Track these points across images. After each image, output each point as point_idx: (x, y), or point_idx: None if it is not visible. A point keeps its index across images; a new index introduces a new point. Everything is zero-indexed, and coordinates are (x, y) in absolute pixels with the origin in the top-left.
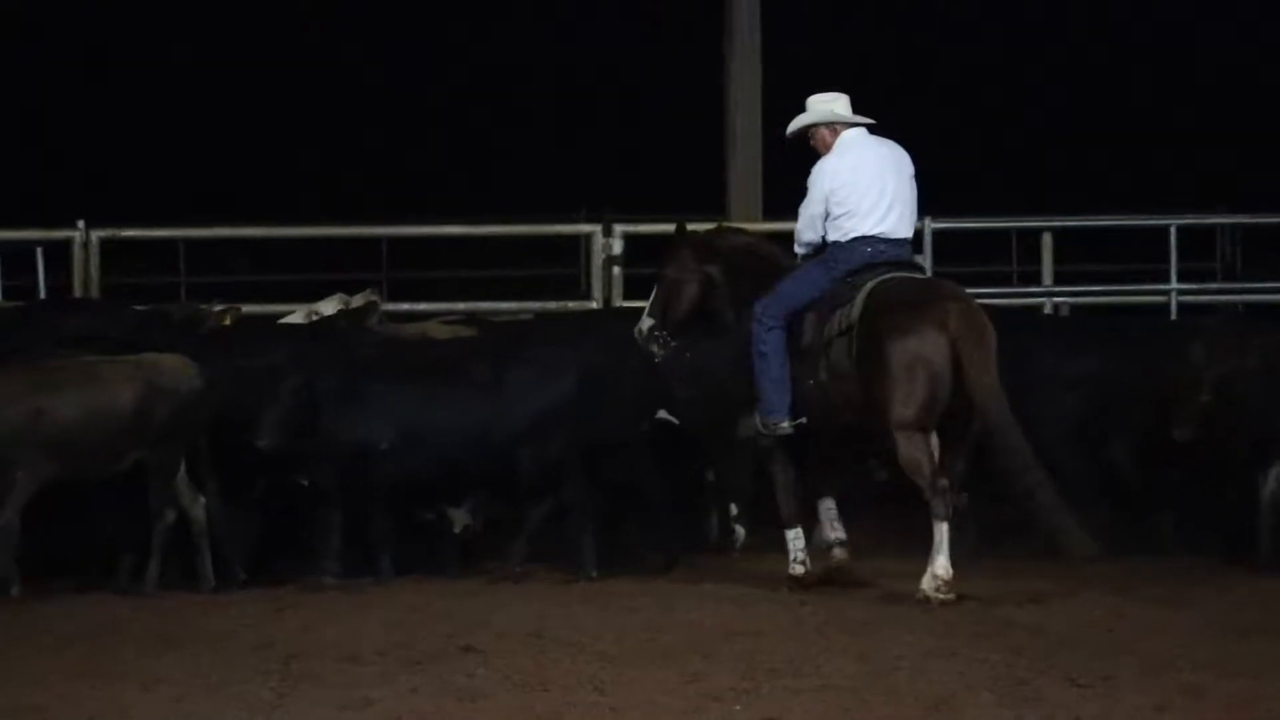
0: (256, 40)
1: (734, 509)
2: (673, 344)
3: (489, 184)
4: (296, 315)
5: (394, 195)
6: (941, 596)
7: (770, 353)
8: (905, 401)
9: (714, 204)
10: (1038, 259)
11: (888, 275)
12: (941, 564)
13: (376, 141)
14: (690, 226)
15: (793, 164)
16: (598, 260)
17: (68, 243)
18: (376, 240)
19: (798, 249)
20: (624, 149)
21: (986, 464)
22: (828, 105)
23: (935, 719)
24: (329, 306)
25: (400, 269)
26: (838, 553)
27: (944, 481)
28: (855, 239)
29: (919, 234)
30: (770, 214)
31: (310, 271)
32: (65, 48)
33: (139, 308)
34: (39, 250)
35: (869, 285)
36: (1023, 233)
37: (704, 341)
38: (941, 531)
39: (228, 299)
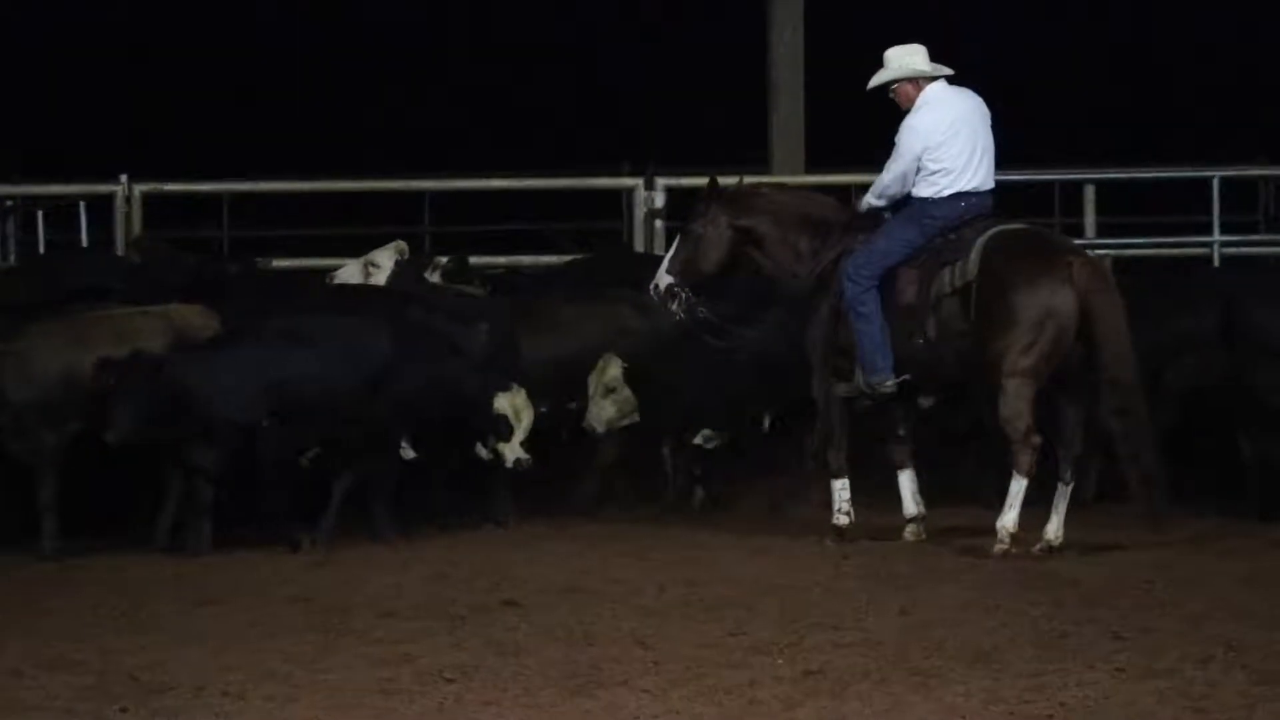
0: None
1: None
2: (693, 301)
3: (531, 138)
4: (352, 267)
5: (436, 149)
6: (1003, 548)
7: (871, 313)
8: (1026, 351)
9: (757, 157)
10: (1080, 211)
11: (996, 229)
12: (1011, 518)
13: (422, 95)
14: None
15: (835, 116)
16: (640, 214)
17: (110, 197)
18: (420, 194)
19: (873, 201)
20: (666, 102)
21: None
22: (909, 58)
23: (977, 672)
24: (385, 257)
25: (443, 223)
26: (911, 529)
27: (1037, 438)
28: (952, 195)
29: None
30: (813, 166)
31: (351, 225)
32: (110, 6)
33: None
34: (81, 205)
35: (981, 241)
36: (1065, 185)
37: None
38: (1020, 485)
39: (271, 253)
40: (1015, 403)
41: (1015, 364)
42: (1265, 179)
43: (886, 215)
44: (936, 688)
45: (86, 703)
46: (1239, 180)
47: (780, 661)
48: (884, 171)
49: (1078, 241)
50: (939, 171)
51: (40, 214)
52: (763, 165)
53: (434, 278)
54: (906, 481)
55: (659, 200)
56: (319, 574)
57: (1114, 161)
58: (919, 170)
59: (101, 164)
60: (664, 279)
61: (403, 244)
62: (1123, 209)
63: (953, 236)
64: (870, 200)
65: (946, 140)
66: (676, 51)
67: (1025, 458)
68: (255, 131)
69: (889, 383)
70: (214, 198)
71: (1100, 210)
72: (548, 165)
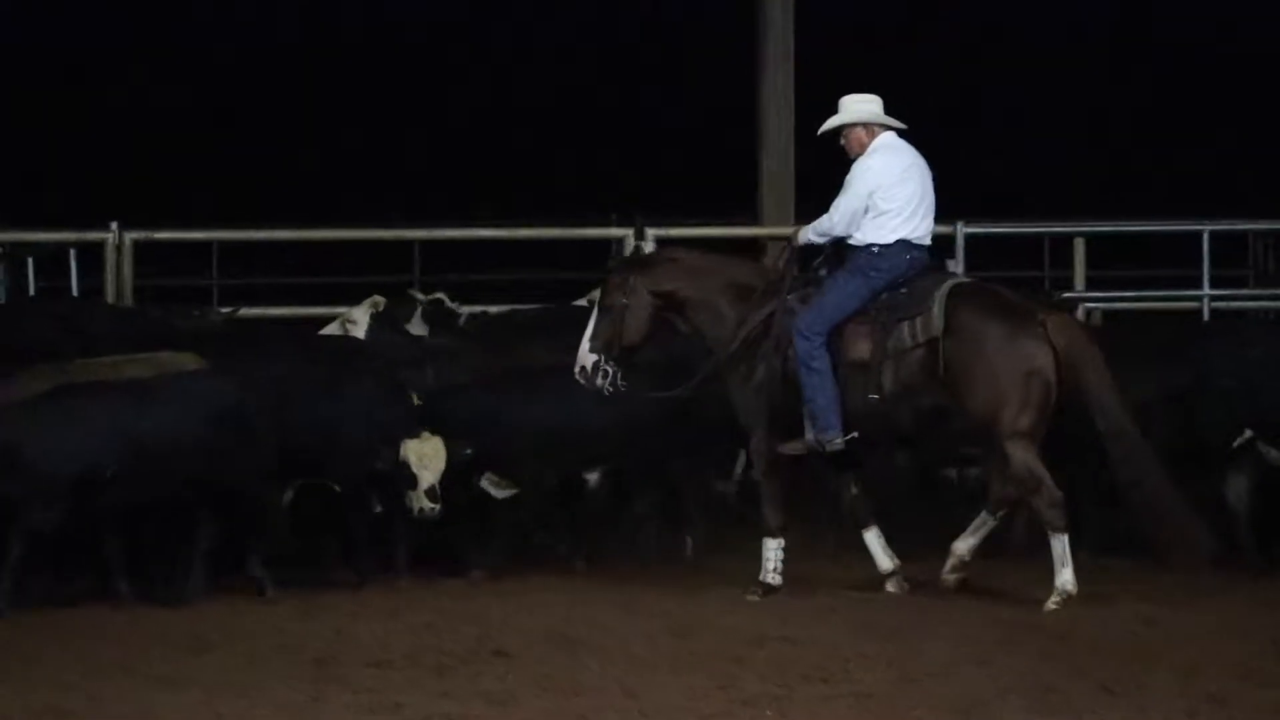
0: (291, 43)
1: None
2: (619, 376)
3: (520, 188)
4: (331, 326)
5: (425, 199)
6: (1055, 607)
7: (823, 369)
8: (1021, 411)
9: (746, 208)
10: (1069, 264)
11: (953, 283)
12: (1068, 577)
13: (409, 144)
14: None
15: (826, 167)
16: None
17: (101, 244)
18: (408, 244)
19: (813, 237)
20: (655, 152)
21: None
22: (865, 106)
23: None
24: (360, 313)
25: (431, 272)
26: (892, 584)
27: (1060, 494)
28: (898, 241)
29: (951, 238)
30: (803, 217)
31: (340, 274)
32: (98, 50)
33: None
34: (72, 252)
35: (940, 294)
36: (1055, 238)
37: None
38: (1063, 543)
39: (262, 301)
40: (1029, 464)
41: (1014, 425)
42: (1255, 233)
43: (823, 273)
44: None
45: None
46: (1229, 234)
47: (769, 714)
48: (832, 210)
49: (1066, 295)
50: (888, 213)
51: (30, 261)
52: (752, 215)
53: (417, 324)
54: (873, 539)
55: (649, 250)
56: (308, 623)
57: (1103, 214)
58: (867, 210)
59: (92, 211)
60: (588, 358)
61: (378, 298)
62: (1111, 262)
63: (904, 290)
64: (810, 235)
65: (898, 184)
66: (665, 100)
67: (1053, 514)
68: (245, 180)
69: (839, 440)
70: (204, 245)
71: (1090, 264)
72: (538, 215)
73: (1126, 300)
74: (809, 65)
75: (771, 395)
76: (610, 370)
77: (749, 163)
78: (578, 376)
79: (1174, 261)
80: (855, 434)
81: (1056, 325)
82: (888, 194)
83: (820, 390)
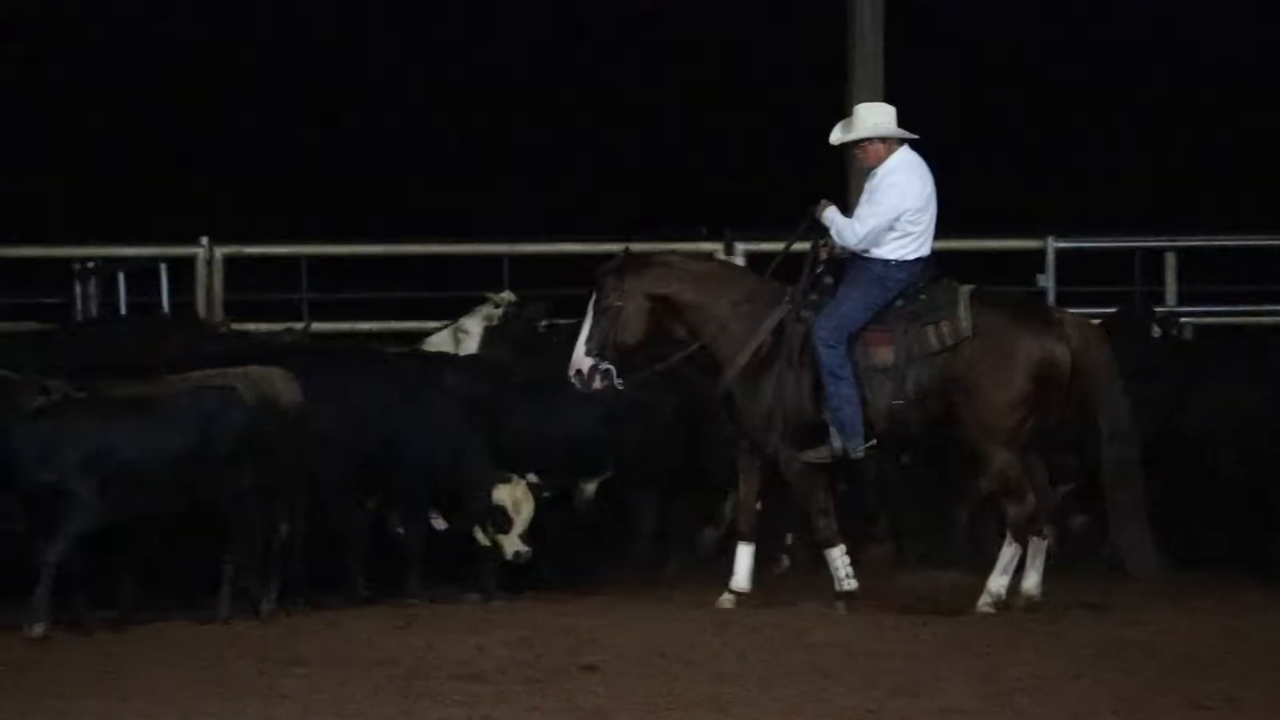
0: (382, 61)
1: (789, 538)
2: (616, 377)
3: (610, 202)
4: (443, 334)
5: (516, 212)
6: (987, 611)
7: (848, 376)
8: (1028, 416)
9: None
10: (1161, 278)
11: (970, 288)
12: (1003, 583)
13: (500, 159)
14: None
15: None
16: None
17: (191, 259)
18: (498, 257)
19: (854, 246)
20: (744, 167)
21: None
22: (881, 117)
23: None
24: (473, 323)
25: (521, 287)
26: (842, 605)
27: (1035, 508)
28: (916, 259)
29: (1042, 253)
30: None
31: (429, 289)
32: (192, 64)
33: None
34: (163, 267)
35: (963, 299)
36: (1147, 252)
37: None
38: (1014, 554)
39: (350, 316)
40: (1008, 468)
41: (1014, 430)
42: None
43: (829, 280)
44: None
45: None
46: None
47: None
48: (858, 224)
49: (1159, 309)
50: (912, 235)
51: (121, 276)
52: None
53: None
54: (836, 555)
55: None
56: (402, 637)
57: (1196, 229)
58: (891, 230)
59: (182, 226)
60: (584, 362)
61: (491, 309)
62: (1204, 277)
63: (923, 296)
64: (851, 244)
65: (924, 208)
66: (752, 116)
67: (1023, 525)
68: (335, 194)
69: (862, 448)
70: (293, 260)
71: (1181, 278)
72: (623, 230)
73: (1219, 315)
74: (899, 73)
75: (796, 403)
76: (608, 371)
77: (839, 182)
78: (573, 380)
79: (1267, 275)
80: (874, 442)
81: (1071, 325)
82: (915, 217)
83: (847, 399)
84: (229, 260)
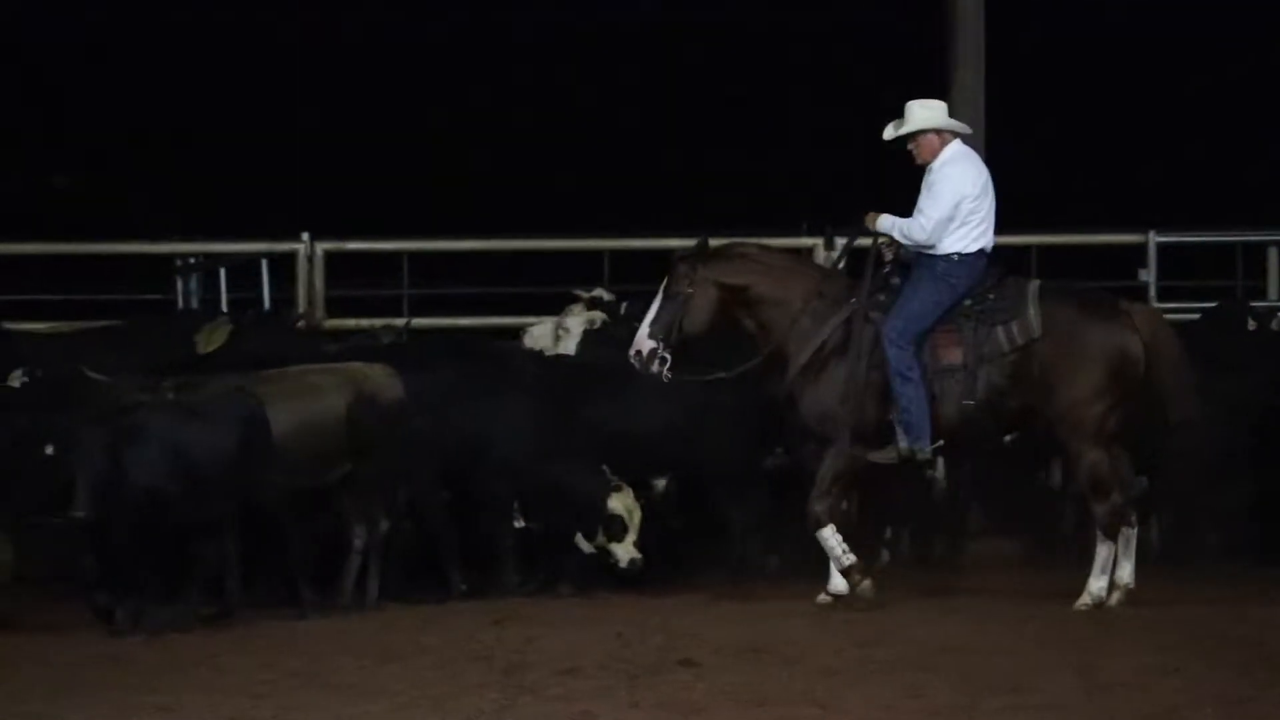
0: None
1: (888, 531)
2: (668, 368)
3: (708, 198)
4: (544, 327)
5: (615, 208)
6: (1086, 608)
7: (917, 377)
8: (1110, 412)
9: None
10: (1263, 273)
11: (1036, 285)
12: (1102, 585)
13: (601, 156)
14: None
15: (1016, 175)
16: None
17: (292, 255)
18: (598, 253)
19: (920, 240)
20: (843, 162)
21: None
22: (933, 112)
23: None
24: (575, 322)
25: (621, 282)
26: (824, 598)
27: (1123, 503)
28: (978, 251)
29: (1143, 247)
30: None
31: (530, 284)
32: (295, 65)
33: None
34: (264, 262)
35: (1031, 298)
36: (1249, 246)
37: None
38: (1110, 550)
39: (450, 312)
40: (1098, 467)
41: (1099, 426)
42: None
43: (895, 280)
44: None
45: None
46: None
47: None
48: (922, 218)
49: (1259, 305)
50: (971, 224)
51: (222, 272)
52: None
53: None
54: (828, 534)
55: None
56: (499, 631)
57: None
58: (951, 220)
59: (283, 222)
60: (645, 344)
61: (597, 313)
62: None
63: (991, 295)
64: (920, 239)
65: (981, 195)
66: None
67: (1112, 521)
68: (436, 189)
69: (929, 449)
70: (395, 256)
71: None
72: (725, 225)
73: None
74: (998, 72)
75: (862, 401)
76: (667, 358)
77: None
78: (632, 360)
79: None
80: (940, 443)
81: (1141, 317)
82: (974, 205)
83: (915, 400)
84: (329, 256)
